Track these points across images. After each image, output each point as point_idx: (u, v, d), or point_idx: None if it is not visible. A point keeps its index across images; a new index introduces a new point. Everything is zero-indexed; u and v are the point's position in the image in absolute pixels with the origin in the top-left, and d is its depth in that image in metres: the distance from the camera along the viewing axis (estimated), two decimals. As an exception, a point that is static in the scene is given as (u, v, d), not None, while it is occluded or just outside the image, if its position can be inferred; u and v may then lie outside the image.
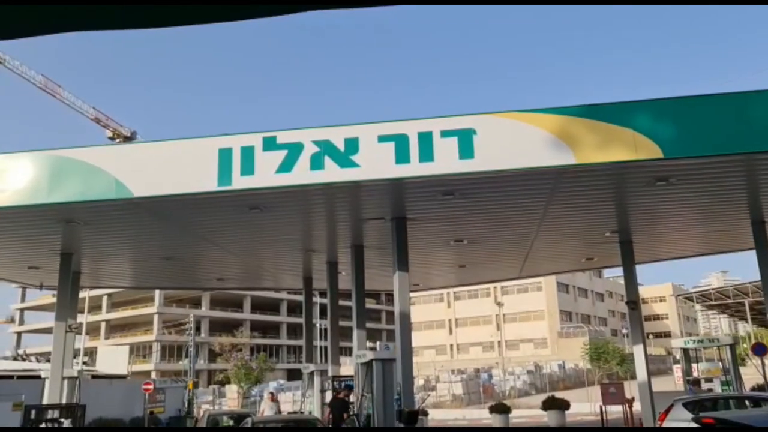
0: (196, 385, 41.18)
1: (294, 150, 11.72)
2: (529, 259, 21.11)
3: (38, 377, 19.87)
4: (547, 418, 30.24)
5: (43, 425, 15.27)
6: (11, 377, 30.38)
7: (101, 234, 16.00)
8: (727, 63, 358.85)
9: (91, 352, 59.89)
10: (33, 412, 15.75)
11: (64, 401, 16.75)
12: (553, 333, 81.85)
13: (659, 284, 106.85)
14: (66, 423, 15.21)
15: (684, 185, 13.49)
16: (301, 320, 26.28)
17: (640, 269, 20.84)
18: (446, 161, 11.47)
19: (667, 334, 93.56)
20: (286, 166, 11.59)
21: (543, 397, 33.70)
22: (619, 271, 22.63)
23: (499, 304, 60.05)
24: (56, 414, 15.46)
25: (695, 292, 66.41)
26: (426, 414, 26.82)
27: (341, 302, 22.23)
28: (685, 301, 73.20)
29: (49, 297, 61.66)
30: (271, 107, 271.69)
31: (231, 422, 18.50)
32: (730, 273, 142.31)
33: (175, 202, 12.96)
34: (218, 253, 18.97)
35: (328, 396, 18.56)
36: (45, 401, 16.99)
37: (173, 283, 28.90)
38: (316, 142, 11.71)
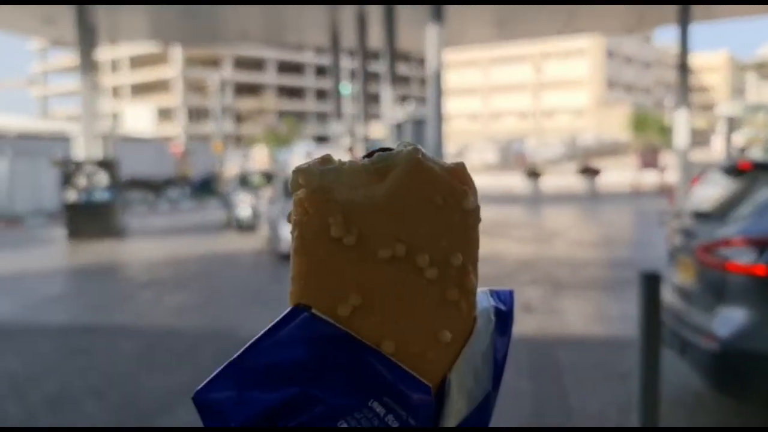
0: (224, 148, 42.23)
1: None
2: (575, 9, 19.13)
3: (67, 139, 20.33)
4: (579, 184, 30.65)
5: (81, 178, 15.81)
6: (41, 138, 31.44)
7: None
8: None
9: (116, 117, 61.37)
10: (72, 166, 16.27)
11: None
12: (593, 102, 79.99)
13: (713, 51, 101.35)
14: (103, 175, 15.73)
15: None
16: (329, 84, 25.66)
17: (692, 39, 19.10)
18: None
19: (711, 106, 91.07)
20: None
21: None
22: (669, 38, 20.89)
23: (538, 71, 58.08)
24: (93, 168, 15.92)
25: (753, 63, 62.80)
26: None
27: (369, 69, 21.33)
28: (738, 70, 69.81)
29: (68, 60, 61.66)
30: None
31: (263, 179, 18.97)
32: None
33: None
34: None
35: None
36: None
37: (193, 35, 27.75)
38: None
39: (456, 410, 0.45)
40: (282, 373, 0.41)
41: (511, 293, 0.52)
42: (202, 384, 0.41)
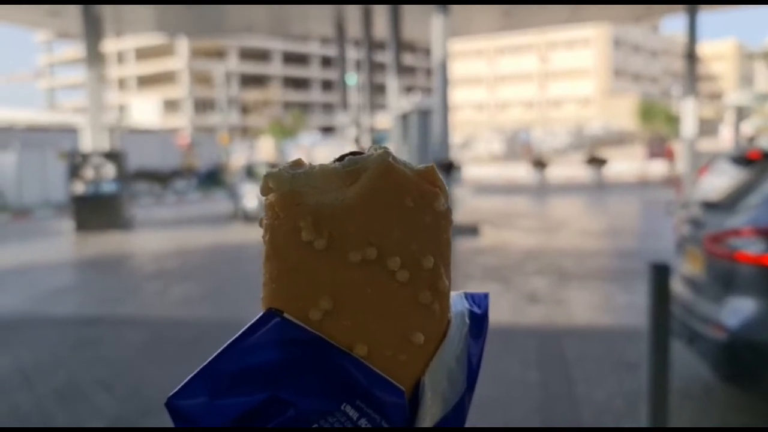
0: (230, 139, 42.18)
1: None
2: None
3: (74, 131, 20.40)
4: (585, 174, 30.52)
5: (88, 170, 15.85)
6: (49, 130, 31.55)
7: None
8: None
9: (123, 108, 61.45)
10: (79, 158, 16.31)
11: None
12: (600, 92, 79.51)
13: (720, 40, 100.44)
14: (110, 167, 15.77)
15: None
16: (334, 75, 25.60)
17: (700, 27, 18.98)
18: None
19: (719, 95, 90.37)
20: None
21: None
22: (677, 26, 20.70)
23: (544, 60, 57.83)
24: (100, 160, 15.96)
25: (761, 51, 62.26)
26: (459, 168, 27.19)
27: (375, 59, 21.24)
28: (746, 59, 69.26)
29: (74, 52, 61.56)
30: None
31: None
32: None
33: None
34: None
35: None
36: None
37: (199, 26, 27.73)
38: None
39: (430, 413, 0.45)
40: (253, 378, 0.40)
41: (486, 296, 0.51)
42: (175, 390, 0.40)
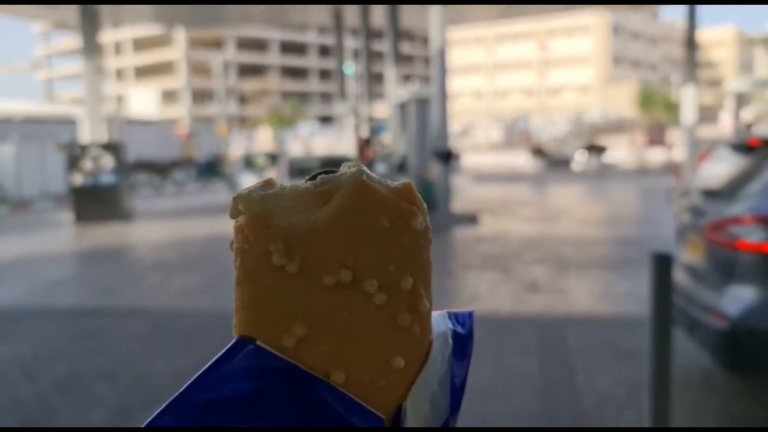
0: (228, 130, 42.06)
1: None
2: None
3: (73, 122, 20.35)
4: (585, 161, 30.49)
5: (87, 161, 15.83)
6: (47, 122, 31.46)
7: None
8: None
9: (121, 99, 61.32)
10: (78, 149, 16.28)
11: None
12: (599, 79, 79.29)
13: (720, 26, 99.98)
14: (109, 158, 15.74)
15: None
16: (333, 64, 25.49)
17: (699, 14, 18.90)
18: None
19: (719, 82, 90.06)
20: None
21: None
22: (676, 13, 20.61)
23: (543, 48, 57.64)
24: (99, 152, 15.93)
25: (761, 37, 62.07)
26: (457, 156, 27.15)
27: (373, 48, 21.14)
28: (746, 45, 68.99)
29: (72, 42, 61.28)
30: None
31: (268, 160, 18.95)
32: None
33: None
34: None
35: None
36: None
37: (196, 16, 27.58)
38: None
39: None
40: (226, 409, 0.39)
41: (470, 315, 0.49)
42: (147, 421, 0.39)
